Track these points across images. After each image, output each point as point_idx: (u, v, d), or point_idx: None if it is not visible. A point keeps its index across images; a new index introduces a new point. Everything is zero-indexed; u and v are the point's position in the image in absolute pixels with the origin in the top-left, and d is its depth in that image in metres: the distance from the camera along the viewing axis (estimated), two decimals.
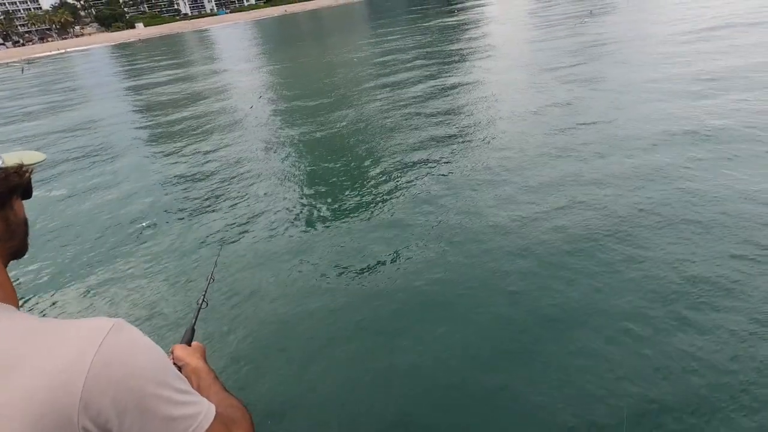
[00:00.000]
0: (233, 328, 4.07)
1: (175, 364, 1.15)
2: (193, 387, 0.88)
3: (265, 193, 7.10)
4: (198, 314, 1.57)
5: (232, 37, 50.21)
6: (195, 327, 1.45)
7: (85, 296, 5.03)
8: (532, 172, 6.41)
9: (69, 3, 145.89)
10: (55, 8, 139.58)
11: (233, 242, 5.66)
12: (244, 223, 6.15)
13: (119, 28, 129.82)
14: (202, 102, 15.44)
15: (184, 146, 10.46)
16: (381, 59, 18.86)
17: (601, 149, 6.86)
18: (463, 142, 8.06)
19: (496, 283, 4.21)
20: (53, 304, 5.00)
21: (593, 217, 5.05)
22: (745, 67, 9.53)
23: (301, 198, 6.83)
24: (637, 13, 20.11)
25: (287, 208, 6.47)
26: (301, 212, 6.33)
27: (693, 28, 14.50)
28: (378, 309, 4.09)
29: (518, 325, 3.68)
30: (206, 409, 0.84)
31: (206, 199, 7.20)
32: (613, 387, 3.01)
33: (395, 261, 4.80)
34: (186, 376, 1.03)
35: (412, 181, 6.78)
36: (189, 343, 1.30)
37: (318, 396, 3.27)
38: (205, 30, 76.26)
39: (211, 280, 1.79)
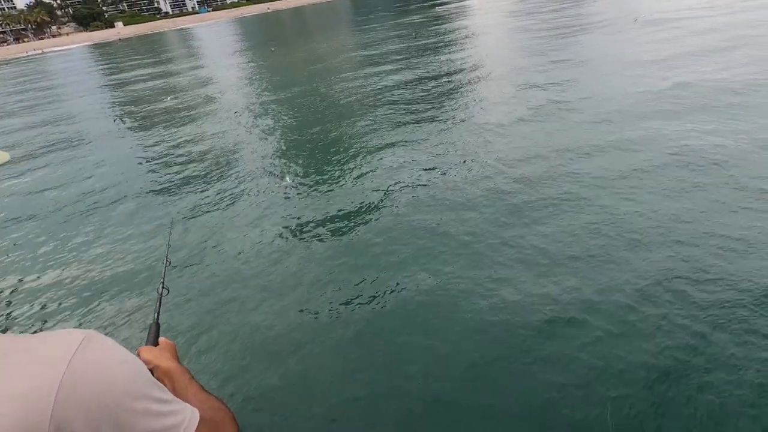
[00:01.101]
0: (201, 316, 3.74)
1: None
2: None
3: (219, 171, 7.04)
4: (160, 305, 1.41)
5: (213, 36, 49.48)
6: (159, 320, 1.31)
7: (33, 297, 4.54)
8: (503, 150, 6.62)
9: (45, 2, 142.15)
10: (30, 7, 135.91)
11: (185, 220, 5.32)
12: (196, 202, 5.93)
13: (98, 28, 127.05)
14: (177, 96, 15.14)
15: (145, 137, 10.29)
16: (365, 52, 18.74)
17: (572, 125, 7.13)
18: (438, 122, 8.14)
19: (469, 250, 4.29)
20: None
21: (570, 186, 5.26)
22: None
23: (261, 171, 6.77)
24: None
25: (242, 180, 6.41)
26: (259, 182, 6.25)
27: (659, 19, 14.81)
28: (355, 282, 3.92)
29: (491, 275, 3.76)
30: (189, 416, 0.80)
31: (156, 183, 7.04)
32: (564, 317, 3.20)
33: (366, 227, 4.75)
34: (158, 380, 0.96)
35: (381, 161, 6.79)
36: (156, 342, 1.18)
37: (301, 385, 3.08)
38: (187, 29, 75.06)
39: (167, 263, 1.67)
